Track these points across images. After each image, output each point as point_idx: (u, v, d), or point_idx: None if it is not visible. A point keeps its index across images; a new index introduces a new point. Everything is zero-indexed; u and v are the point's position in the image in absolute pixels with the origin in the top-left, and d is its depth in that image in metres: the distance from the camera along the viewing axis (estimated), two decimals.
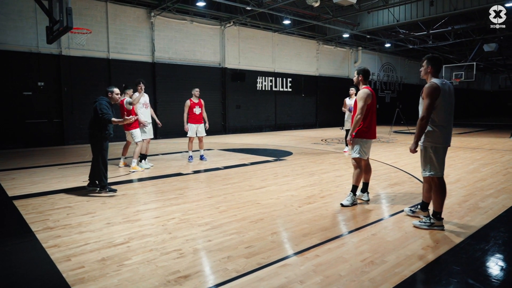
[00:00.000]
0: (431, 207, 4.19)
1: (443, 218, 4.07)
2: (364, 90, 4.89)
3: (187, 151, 9.55)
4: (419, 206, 4.52)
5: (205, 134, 9.13)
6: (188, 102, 8.81)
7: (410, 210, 4.58)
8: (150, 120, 8.29)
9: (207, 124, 9.06)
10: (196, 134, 8.93)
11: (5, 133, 12.19)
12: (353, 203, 4.98)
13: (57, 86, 13.15)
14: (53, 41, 8.14)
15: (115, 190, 5.84)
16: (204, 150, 9.48)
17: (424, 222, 4.06)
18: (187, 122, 8.85)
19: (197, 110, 8.84)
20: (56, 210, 4.88)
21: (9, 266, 3.23)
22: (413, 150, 4.00)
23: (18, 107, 12.39)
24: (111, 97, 5.88)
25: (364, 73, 5.00)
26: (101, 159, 5.69)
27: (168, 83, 15.99)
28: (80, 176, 7.17)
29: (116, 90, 5.96)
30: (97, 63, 13.97)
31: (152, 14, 15.19)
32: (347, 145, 10.83)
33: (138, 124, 7.84)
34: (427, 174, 4.03)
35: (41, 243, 3.68)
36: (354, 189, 5.03)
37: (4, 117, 12.15)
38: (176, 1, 14.06)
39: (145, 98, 8.15)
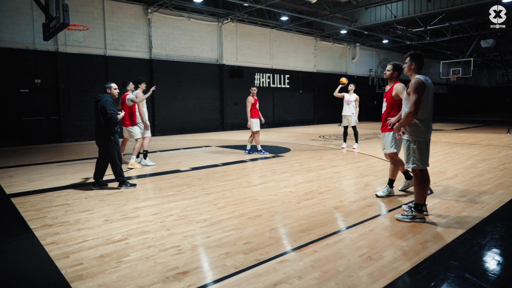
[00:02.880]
0: (427, 202, 4.23)
1: (425, 211, 4.18)
2: (400, 84, 5.03)
3: (246, 145, 9.98)
4: None
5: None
6: (251, 99, 9.41)
7: (408, 206, 4.60)
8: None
9: (262, 119, 9.77)
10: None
11: (2, 131, 12.14)
12: (408, 186, 5.36)
13: (54, 83, 13.10)
14: (50, 38, 8.12)
15: (135, 185, 6.01)
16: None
17: (406, 215, 4.16)
18: (251, 117, 9.41)
19: (257, 106, 9.58)
20: (54, 207, 4.88)
21: (7, 264, 3.23)
22: (398, 134, 4.22)
23: (15, 104, 12.34)
24: (110, 93, 5.96)
25: (399, 69, 5.21)
26: (117, 154, 5.81)
27: (166, 80, 15.94)
28: (78, 174, 7.16)
29: (114, 85, 6.05)
30: (94, 60, 13.91)
31: (149, 10, 15.13)
32: (345, 141, 10.84)
33: (136, 121, 7.83)
34: (410, 166, 4.15)
35: (39, 240, 3.68)
36: (407, 175, 5.28)
37: (1, 115, 12.09)
38: None
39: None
